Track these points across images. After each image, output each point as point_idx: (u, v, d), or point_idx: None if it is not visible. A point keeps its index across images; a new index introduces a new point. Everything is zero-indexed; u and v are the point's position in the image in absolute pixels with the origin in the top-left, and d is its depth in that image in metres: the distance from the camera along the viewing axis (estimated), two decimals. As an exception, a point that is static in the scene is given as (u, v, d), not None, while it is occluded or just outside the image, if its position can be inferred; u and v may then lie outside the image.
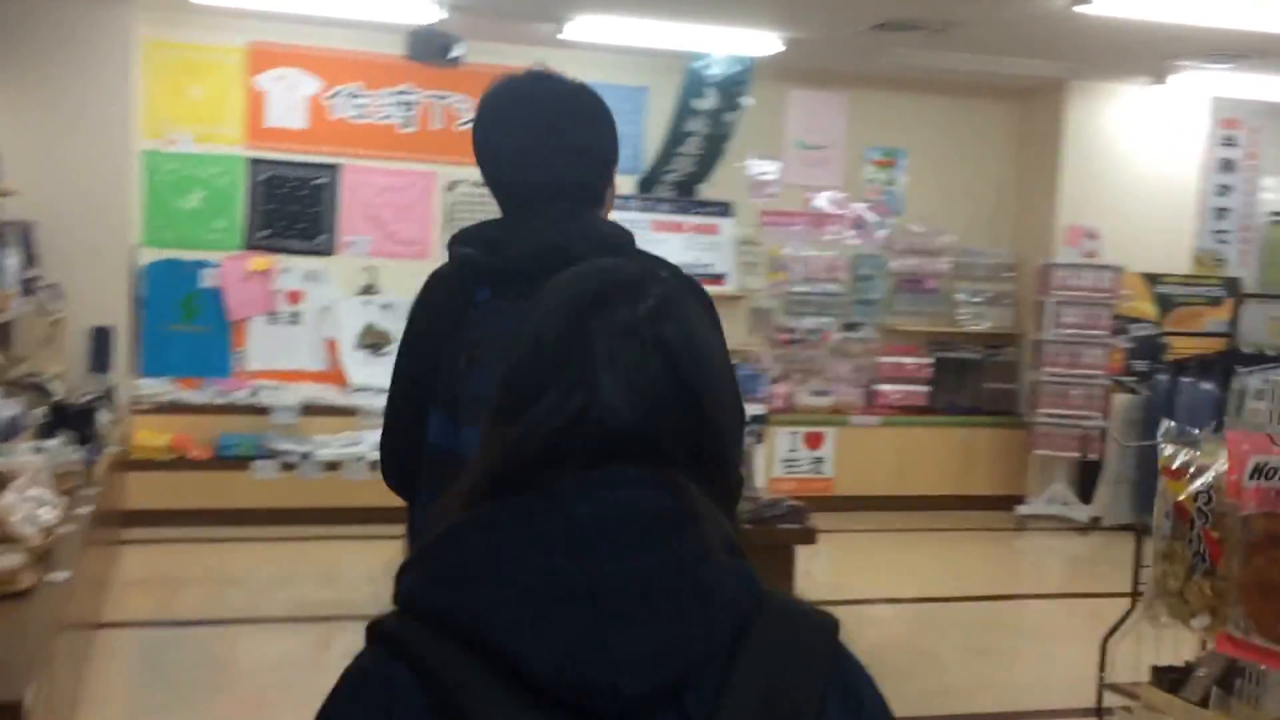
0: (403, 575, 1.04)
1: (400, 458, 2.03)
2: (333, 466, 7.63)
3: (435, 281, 2.03)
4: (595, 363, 1.02)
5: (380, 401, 2.19)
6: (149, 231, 8.00)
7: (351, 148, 8.34)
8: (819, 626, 1.05)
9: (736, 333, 8.88)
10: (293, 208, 8.24)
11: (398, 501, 2.09)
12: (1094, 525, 8.68)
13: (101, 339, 7.25)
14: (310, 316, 8.26)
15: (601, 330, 1.04)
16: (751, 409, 6.71)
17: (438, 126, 8.49)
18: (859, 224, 9.58)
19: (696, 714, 0.96)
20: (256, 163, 8.17)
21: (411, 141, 8.45)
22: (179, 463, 7.53)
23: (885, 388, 9.39)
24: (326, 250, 8.34)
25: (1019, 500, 9.21)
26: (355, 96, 8.32)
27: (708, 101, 8.45)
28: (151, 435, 7.53)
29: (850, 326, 9.47)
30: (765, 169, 9.34)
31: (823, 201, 9.48)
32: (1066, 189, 9.40)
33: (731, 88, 8.44)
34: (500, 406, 1.07)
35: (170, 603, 6.15)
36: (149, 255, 7.98)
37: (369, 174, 8.40)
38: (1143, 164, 9.46)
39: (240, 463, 7.57)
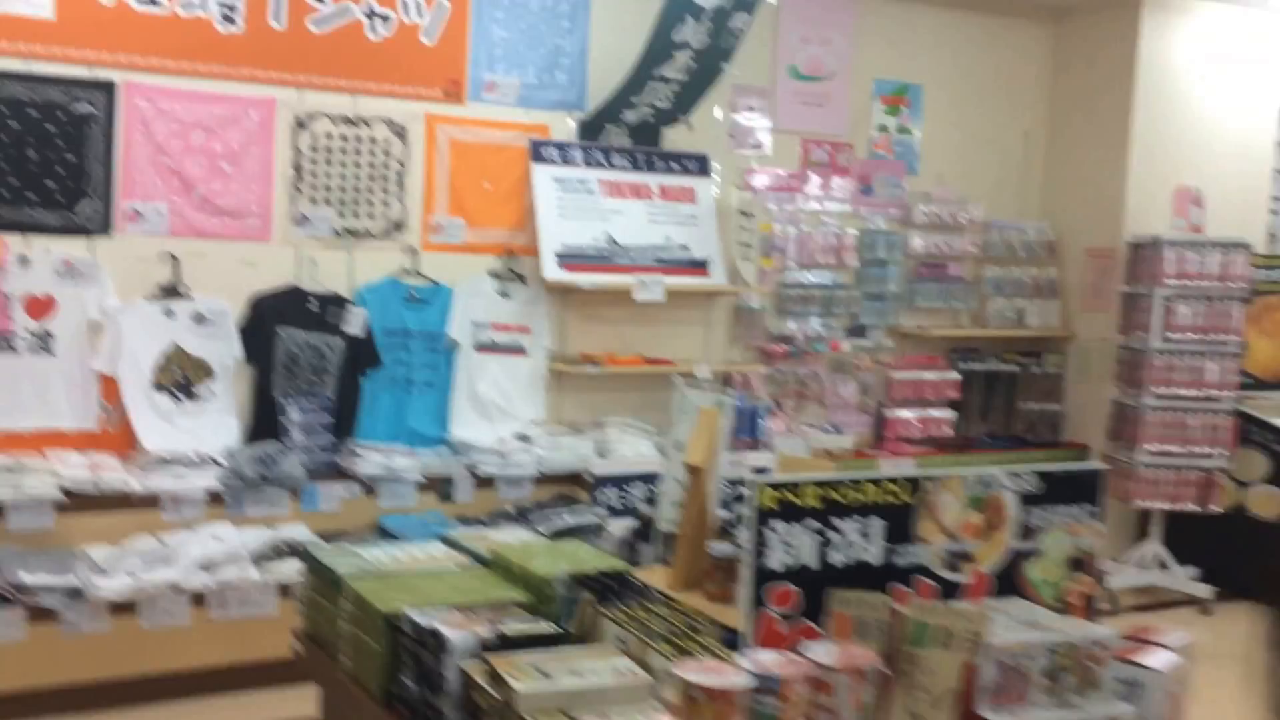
0: None
1: None
2: (123, 608, 4.37)
3: None
4: None
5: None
6: None
7: (136, 54, 4.98)
8: None
9: (716, 344, 6.25)
10: (35, 154, 4.84)
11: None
12: (1217, 599, 6.46)
13: None
14: (69, 338, 4.88)
15: None
16: (755, 459, 5.33)
17: (279, 26, 5.23)
18: (866, 188, 6.87)
19: None
20: (-34, 75, 4.73)
21: (237, 47, 5.16)
22: None
23: (902, 414, 6.75)
24: (97, 226, 4.96)
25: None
26: (139, -31, 4.97)
27: (708, -4, 5.48)
28: None
29: (856, 331, 6.80)
30: (752, 108, 6.49)
31: (819, 154, 6.73)
32: (1139, 140, 6.97)
33: (742, -24, 5.51)
34: None
35: None
36: None
37: (166, 98, 5.06)
38: (1218, 109, 7.18)
39: (-49, 612, 4.21)
